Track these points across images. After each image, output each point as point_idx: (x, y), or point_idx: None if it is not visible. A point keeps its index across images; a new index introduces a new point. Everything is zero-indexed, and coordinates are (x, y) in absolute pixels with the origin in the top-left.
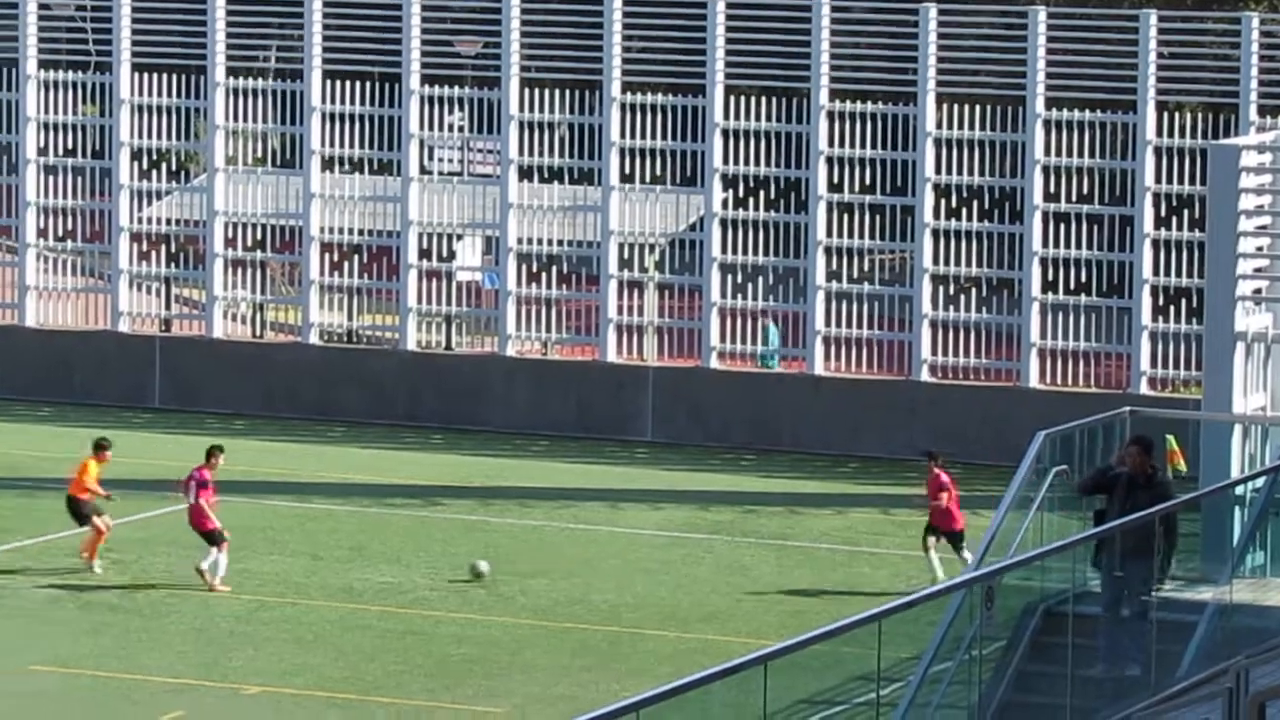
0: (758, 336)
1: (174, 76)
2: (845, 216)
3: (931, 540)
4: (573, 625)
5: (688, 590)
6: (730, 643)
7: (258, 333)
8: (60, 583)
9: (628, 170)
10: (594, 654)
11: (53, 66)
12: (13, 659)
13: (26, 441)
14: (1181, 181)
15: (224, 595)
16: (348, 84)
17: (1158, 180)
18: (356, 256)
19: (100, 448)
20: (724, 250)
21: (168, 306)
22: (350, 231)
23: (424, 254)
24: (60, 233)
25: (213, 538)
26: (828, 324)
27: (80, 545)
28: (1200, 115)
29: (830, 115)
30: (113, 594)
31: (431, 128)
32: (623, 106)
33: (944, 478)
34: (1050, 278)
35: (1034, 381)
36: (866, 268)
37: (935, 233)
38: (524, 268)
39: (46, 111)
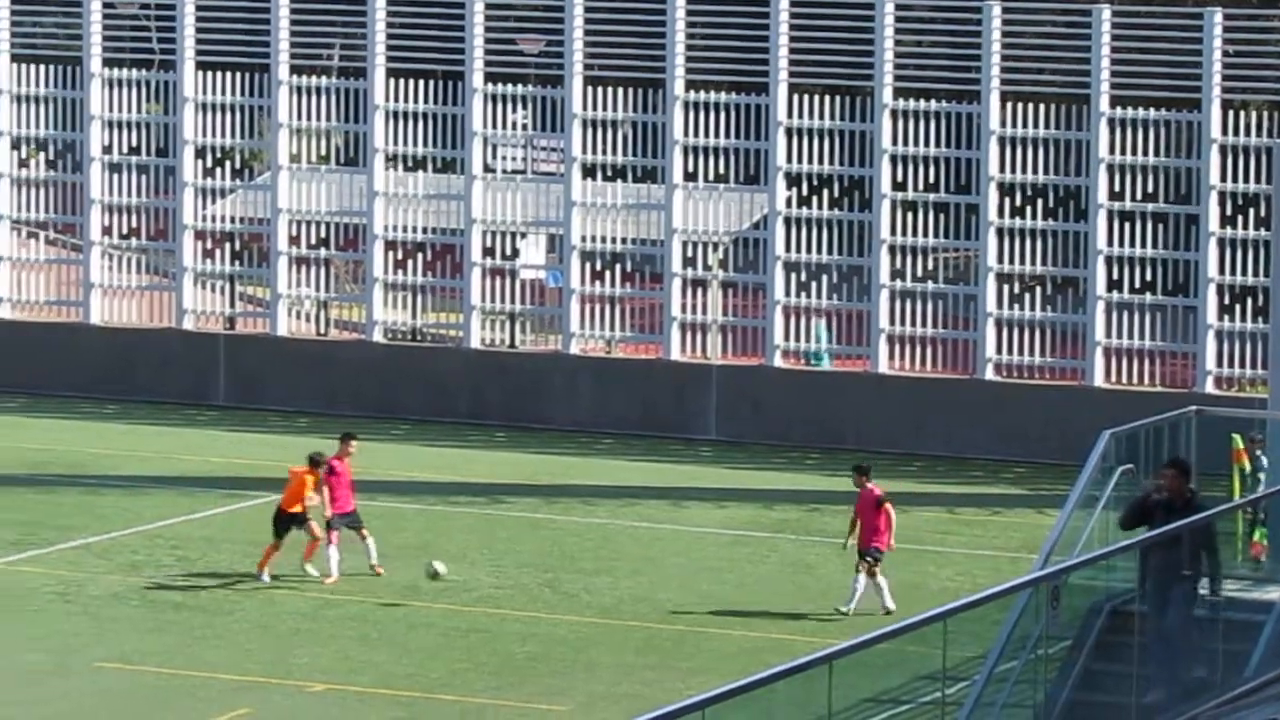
0: (809, 335)
1: (238, 74)
2: (909, 215)
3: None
4: (637, 623)
5: (752, 589)
6: (794, 641)
7: (322, 330)
8: (125, 580)
9: (691, 168)
10: (658, 652)
11: (117, 65)
12: (78, 656)
13: (91, 439)
14: (1246, 180)
15: (288, 593)
16: (411, 82)
17: (1223, 179)
18: (420, 254)
19: (315, 463)
20: (787, 248)
21: (232, 304)
22: (414, 229)
23: (488, 252)
24: (125, 230)
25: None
26: (891, 322)
27: (304, 555)
28: (1265, 113)
29: (894, 113)
30: (177, 591)
31: (495, 126)
32: (686, 105)
33: (878, 493)
34: (1115, 276)
35: (1099, 380)
36: (930, 266)
37: (1000, 231)
38: (588, 266)
39: (111, 109)
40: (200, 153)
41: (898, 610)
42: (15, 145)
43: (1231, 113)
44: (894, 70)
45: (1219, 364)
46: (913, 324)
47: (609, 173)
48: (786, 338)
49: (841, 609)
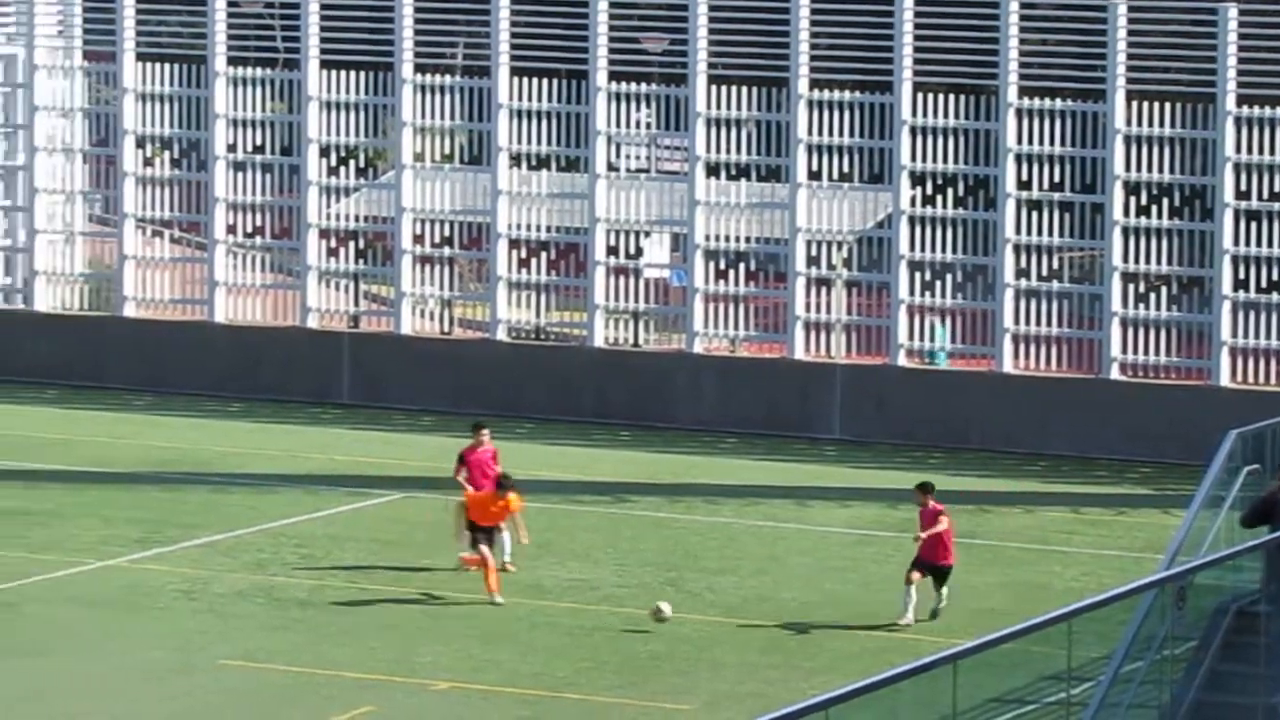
0: (927, 334)
1: (362, 73)
2: (1034, 214)
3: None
4: (761, 622)
5: (876, 588)
6: (919, 641)
7: (446, 329)
8: (249, 578)
9: (815, 167)
10: (782, 651)
11: (241, 64)
12: (202, 654)
13: (217, 437)
14: None
15: (413, 591)
16: (535, 81)
17: None
18: (544, 253)
19: (502, 485)
20: (912, 247)
21: (356, 303)
22: (538, 228)
23: (611, 251)
24: (249, 229)
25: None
26: (1016, 322)
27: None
28: None
29: (1019, 112)
30: (301, 589)
31: (618, 125)
32: (810, 103)
33: (940, 508)
34: (1241, 275)
35: (1225, 380)
36: (1055, 265)
37: (1125, 230)
38: (711, 265)
39: (235, 108)
40: (324, 151)
41: (1022, 610)
42: (140, 144)
43: None
44: (1019, 69)
45: None
46: (1037, 323)
47: (733, 171)
48: (910, 337)
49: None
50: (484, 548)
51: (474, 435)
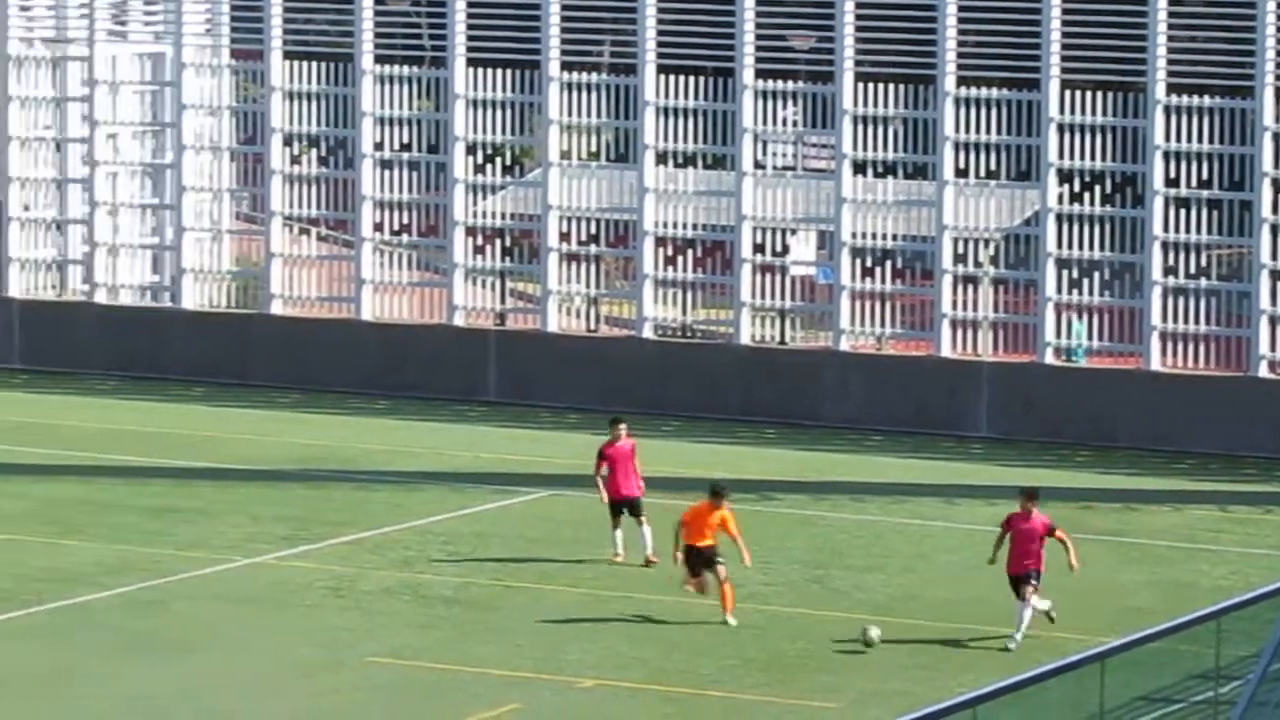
0: (1067, 332)
1: (508, 71)
2: (1182, 211)
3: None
4: (907, 620)
5: None
6: (1066, 640)
7: (592, 327)
8: (396, 575)
9: (962, 164)
10: (929, 650)
11: (388, 62)
12: (350, 651)
13: (363, 435)
14: None
15: (559, 588)
16: (681, 78)
17: None
18: (690, 251)
19: (717, 494)
20: (1059, 245)
21: (503, 300)
22: (684, 226)
23: (758, 248)
24: (396, 227)
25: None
26: (1164, 319)
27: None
28: None
29: (1167, 109)
30: (448, 587)
31: (765, 122)
32: (957, 100)
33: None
34: None
35: None
36: (1204, 263)
37: (1273, 227)
38: (858, 262)
39: (382, 107)
40: (471, 149)
41: (1171, 609)
42: (288, 142)
43: None
44: (1167, 66)
45: None
46: (1185, 321)
47: (880, 169)
48: (1058, 334)
49: (1010, 646)
50: (706, 574)
51: (611, 430)
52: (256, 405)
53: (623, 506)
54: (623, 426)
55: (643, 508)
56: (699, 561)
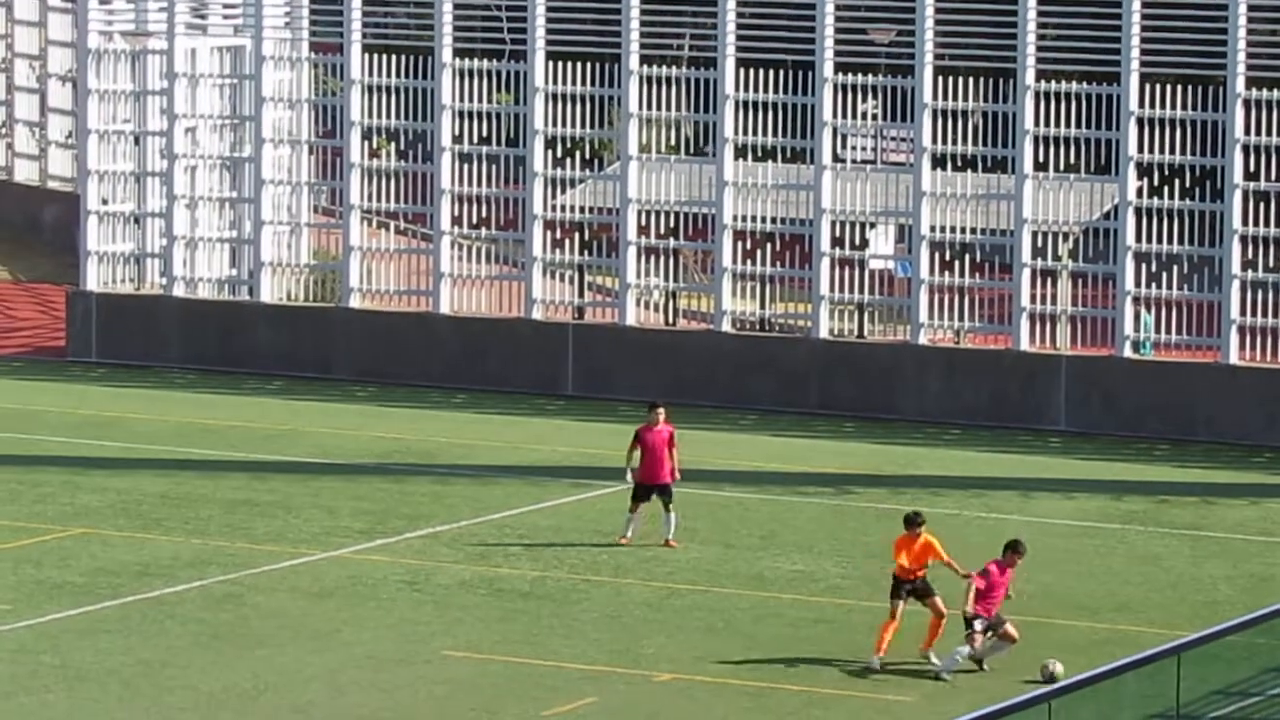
0: (1137, 324)
1: (588, 64)
2: (1262, 205)
3: None
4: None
5: (1099, 580)
6: (1142, 633)
7: (670, 320)
8: (472, 569)
9: (1042, 158)
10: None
11: (468, 55)
12: (426, 645)
13: (441, 428)
14: None
15: (636, 582)
16: (761, 72)
17: None
18: (769, 244)
19: (912, 523)
20: (1138, 239)
21: (581, 294)
22: (763, 219)
23: (836, 242)
24: (474, 220)
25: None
26: (1243, 313)
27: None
28: None
29: (1246, 103)
30: (524, 581)
31: (844, 116)
32: (1036, 94)
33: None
34: None
35: None
36: None
37: None
38: (937, 256)
39: (462, 100)
40: (550, 143)
41: (1249, 602)
42: (366, 136)
43: None
44: (1247, 60)
45: None
46: (1265, 315)
47: (959, 163)
48: (1137, 329)
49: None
50: (900, 604)
51: (649, 414)
52: (334, 399)
53: (650, 491)
54: (660, 411)
55: (672, 495)
56: (909, 593)
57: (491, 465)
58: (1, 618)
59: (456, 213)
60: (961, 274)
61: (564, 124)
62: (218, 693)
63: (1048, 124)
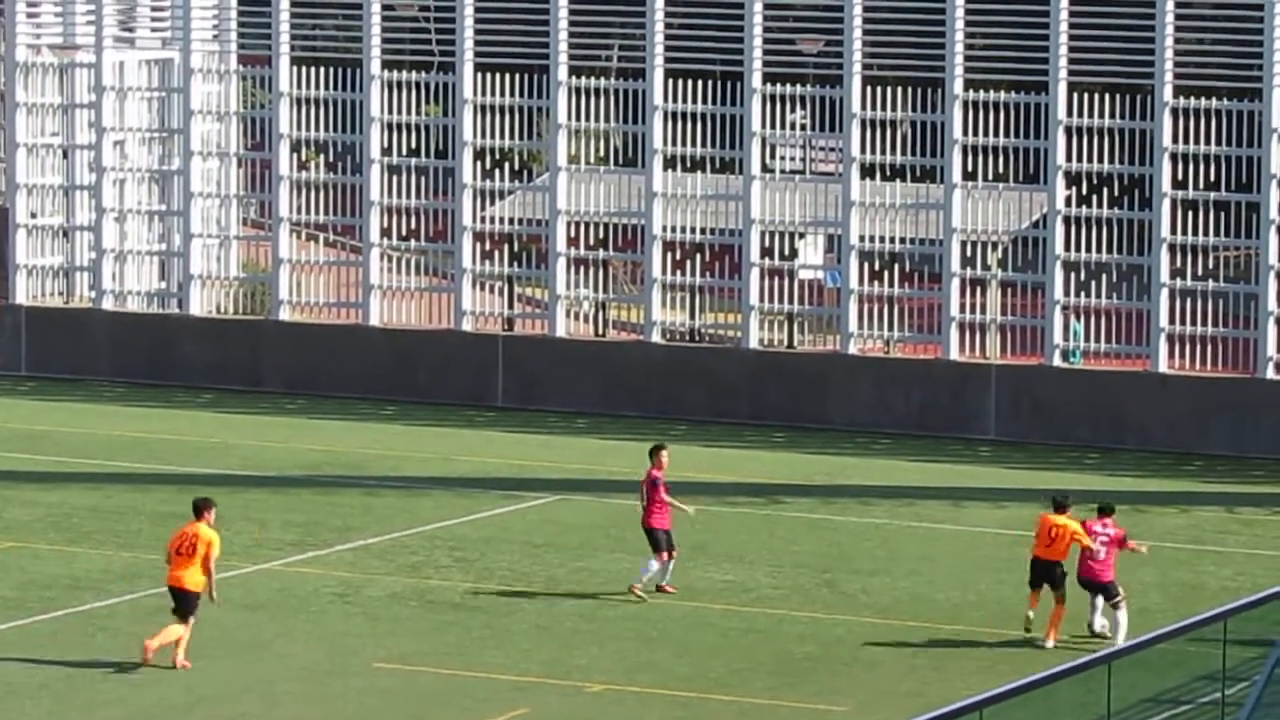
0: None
1: (516, 76)
2: (1189, 213)
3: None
4: (915, 623)
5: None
6: (1074, 642)
7: (600, 331)
8: (403, 581)
9: (970, 168)
10: (937, 652)
11: (396, 67)
12: (358, 656)
13: (370, 440)
14: None
15: (567, 593)
16: (689, 82)
17: None
18: (698, 255)
19: (1060, 506)
20: (1067, 247)
21: (511, 305)
22: (692, 230)
23: (766, 252)
24: (404, 232)
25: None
26: (1172, 321)
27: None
28: None
29: (1174, 111)
30: (455, 592)
31: (773, 126)
32: (965, 104)
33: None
34: None
35: None
36: (1211, 265)
37: None
38: (866, 266)
39: (390, 112)
40: (479, 154)
41: (1178, 610)
42: (295, 148)
43: None
44: (1174, 69)
45: None
46: (1194, 323)
47: (888, 172)
48: (1065, 337)
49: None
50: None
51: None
52: (264, 411)
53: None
54: (665, 454)
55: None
56: (1044, 576)
57: (422, 477)
58: None
59: (386, 224)
60: (891, 283)
61: (493, 135)
62: (150, 706)
63: (976, 133)
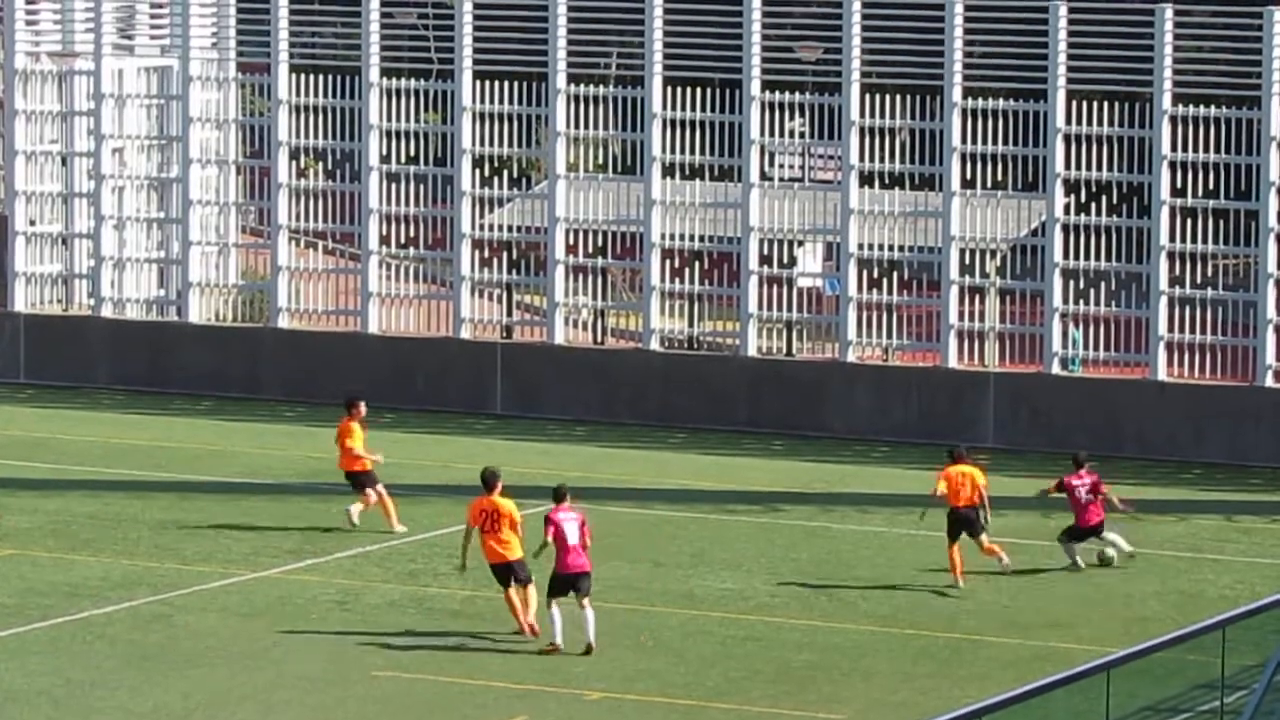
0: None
1: (515, 83)
2: (1188, 221)
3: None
4: (914, 631)
5: (1030, 596)
6: (1072, 650)
7: (599, 339)
8: (402, 588)
9: (969, 175)
10: (935, 660)
11: (395, 74)
12: (357, 664)
13: (370, 448)
14: None
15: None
16: (688, 90)
17: None
18: (697, 262)
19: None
20: (1066, 255)
21: (509, 313)
22: (691, 238)
23: (765, 260)
24: (402, 240)
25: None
26: (1170, 329)
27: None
28: None
29: (1173, 119)
30: (454, 600)
31: (772, 134)
32: (964, 111)
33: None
34: None
35: None
36: (1210, 273)
37: (1279, 237)
38: (865, 273)
39: (389, 119)
40: (478, 162)
41: (1176, 618)
42: (294, 155)
43: None
44: (1174, 76)
45: None
46: (1192, 331)
47: (886, 180)
48: (1064, 345)
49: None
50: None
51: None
52: (262, 419)
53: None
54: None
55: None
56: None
57: (421, 484)
58: None
59: (385, 232)
60: (890, 291)
61: (491, 143)
62: (148, 713)
63: (975, 141)
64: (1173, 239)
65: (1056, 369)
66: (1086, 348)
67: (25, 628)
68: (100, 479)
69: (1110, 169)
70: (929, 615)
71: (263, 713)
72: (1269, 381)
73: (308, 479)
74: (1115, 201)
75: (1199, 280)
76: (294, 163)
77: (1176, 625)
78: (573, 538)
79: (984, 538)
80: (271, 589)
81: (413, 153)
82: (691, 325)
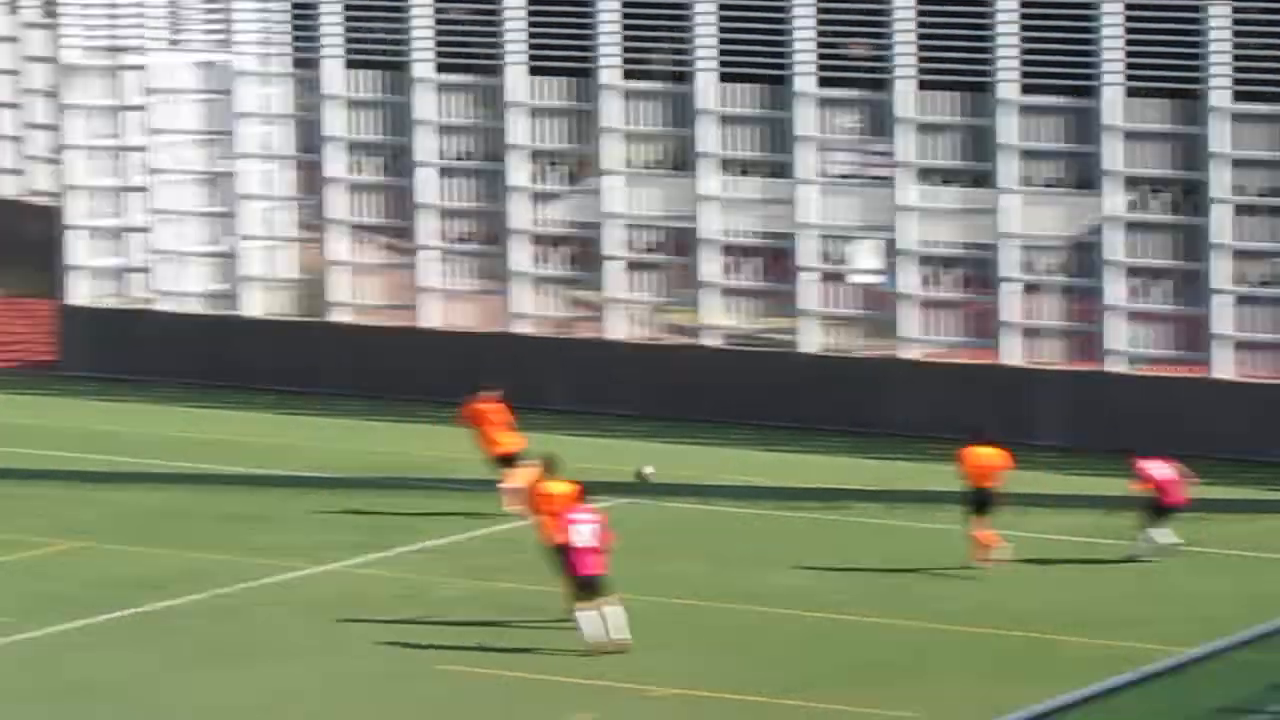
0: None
1: (566, 79)
2: (1245, 218)
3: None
4: (982, 630)
5: (1099, 596)
6: (1143, 649)
7: (654, 335)
8: (467, 583)
9: (1024, 172)
10: (1004, 659)
11: (446, 70)
12: (421, 660)
13: (432, 443)
14: None
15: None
16: (741, 86)
17: None
18: (753, 259)
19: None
20: (1122, 252)
21: (565, 308)
22: (745, 234)
23: (820, 257)
24: (456, 235)
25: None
26: (1231, 327)
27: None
28: None
29: (1230, 116)
30: (520, 595)
31: (825, 130)
32: (1018, 108)
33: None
34: None
35: None
36: (1269, 270)
37: None
38: (920, 270)
39: (441, 114)
40: (531, 157)
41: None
42: (347, 150)
43: None
44: (1232, 74)
45: None
46: (1251, 328)
47: (941, 177)
48: (1122, 342)
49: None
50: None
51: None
52: (322, 413)
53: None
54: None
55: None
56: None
57: (484, 479)
58: (1, 630)
59: (438, 227)
60: (946, 287)
61: (544, 139)
62: (214, 707)
63: (1030, 138)
64: (1230, 236)
65: (1117, 366)
66: (1146, 345)
67: (95, 619)
68: (163, 472)
69: (1165, 166)
70: (998, 614)
71: (328, 708)
72: None
73: (373, 473)
74: (1172, 198)
75: (1259, 278)
76: (350, 158)
77: (1248, 625)
78: (588, 540)
79: (985, 522)
80: (337, 583)
81: (465, 148)
82: (746, 322)
